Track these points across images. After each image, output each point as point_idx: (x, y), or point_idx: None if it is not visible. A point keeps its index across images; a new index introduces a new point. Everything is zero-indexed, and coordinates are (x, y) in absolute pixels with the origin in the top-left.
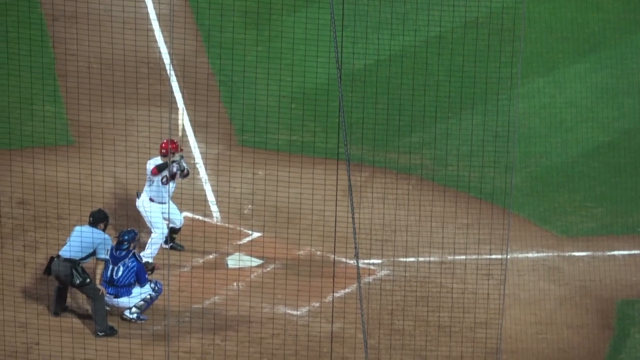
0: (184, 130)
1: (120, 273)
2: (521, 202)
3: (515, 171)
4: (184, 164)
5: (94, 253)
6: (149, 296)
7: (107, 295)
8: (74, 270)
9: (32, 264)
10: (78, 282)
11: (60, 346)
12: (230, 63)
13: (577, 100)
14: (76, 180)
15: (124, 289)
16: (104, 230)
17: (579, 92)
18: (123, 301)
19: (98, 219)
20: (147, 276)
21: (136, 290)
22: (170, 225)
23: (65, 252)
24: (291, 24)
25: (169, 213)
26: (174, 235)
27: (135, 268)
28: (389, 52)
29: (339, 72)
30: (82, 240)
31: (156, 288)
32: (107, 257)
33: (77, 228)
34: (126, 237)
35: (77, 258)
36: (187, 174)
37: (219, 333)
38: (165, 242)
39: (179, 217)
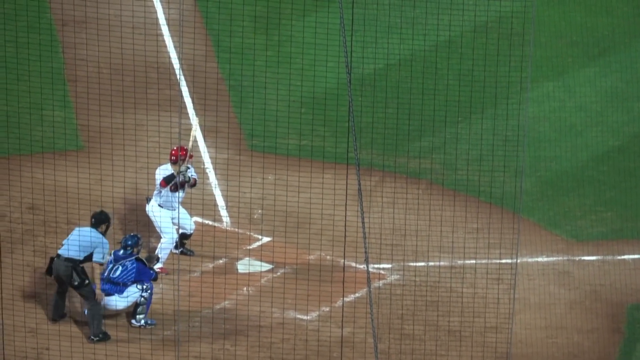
0: (195, 141)
1: (118, 273)
2: (531, 207)
3: (525, 175)
4: (190, 175)
5: (91, 256)
6: (142, 299)
7: (100, 291)
8: (73, 271)
9: (42, 269)
10: (76, 283)
11: (70, 351)
12: (240, 68)
13: (587, 105)
14: (86, 186)
15: (117, 287)
16: (104, 232)
17: (589, 96)
18: (111, 299)
19: (100, 220)
20: (152, 271)
21: (131, 289)
22: (181, 231)
23: (64, 251)
24: (301, 29)
25: (178, 219)
26: (185, 241)
27: (134, 270)
28: (399, 56)
29: (349, 77)
30: (80, 239)
31: (144, 287)
32: (103, 261)
33: (77, 229)
34: (129, 242)
35: (77, 258)
36: (195, 184)
37: (229, 338)
38: (175, 248)
39: (189, 223)
